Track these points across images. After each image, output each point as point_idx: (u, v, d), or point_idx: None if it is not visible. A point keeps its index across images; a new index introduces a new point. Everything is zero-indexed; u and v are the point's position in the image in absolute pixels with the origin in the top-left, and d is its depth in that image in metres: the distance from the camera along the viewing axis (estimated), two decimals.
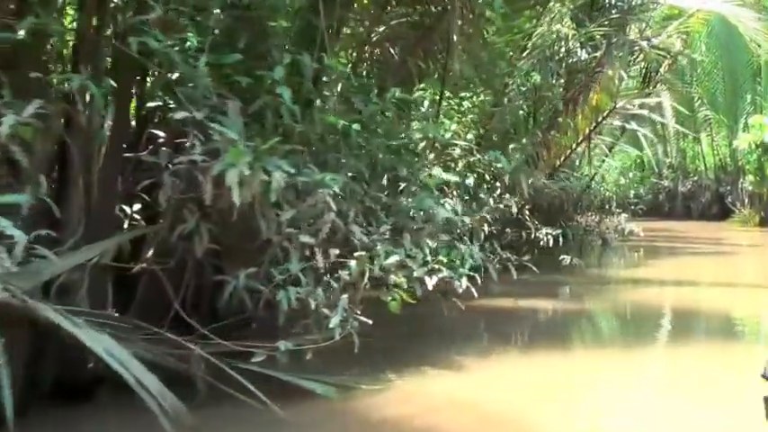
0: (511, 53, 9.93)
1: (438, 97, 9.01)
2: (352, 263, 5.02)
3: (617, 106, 12.15)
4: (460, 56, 6.78)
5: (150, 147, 5.34)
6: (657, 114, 29.88)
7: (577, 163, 16.75)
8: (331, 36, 6.01)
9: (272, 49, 4.93)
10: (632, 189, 19.08)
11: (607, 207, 17.37)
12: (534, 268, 8.29)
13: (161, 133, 5.35)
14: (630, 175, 18.32)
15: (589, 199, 17.15)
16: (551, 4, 10.02)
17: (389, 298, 5.34)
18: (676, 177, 29.19)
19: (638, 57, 16.18)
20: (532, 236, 11.70)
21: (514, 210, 10.67)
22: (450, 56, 6.51)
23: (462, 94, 9.61)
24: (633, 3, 14.68)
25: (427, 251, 5.68)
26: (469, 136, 9.70)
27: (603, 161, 16.57)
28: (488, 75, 9.03)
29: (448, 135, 9.70)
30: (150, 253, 5.18)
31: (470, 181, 9.45)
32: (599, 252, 15.74)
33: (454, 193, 9.41)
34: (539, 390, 5.39)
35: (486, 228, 10.48)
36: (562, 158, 10.37)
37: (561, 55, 13.79)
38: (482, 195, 11.02)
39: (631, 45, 13.22)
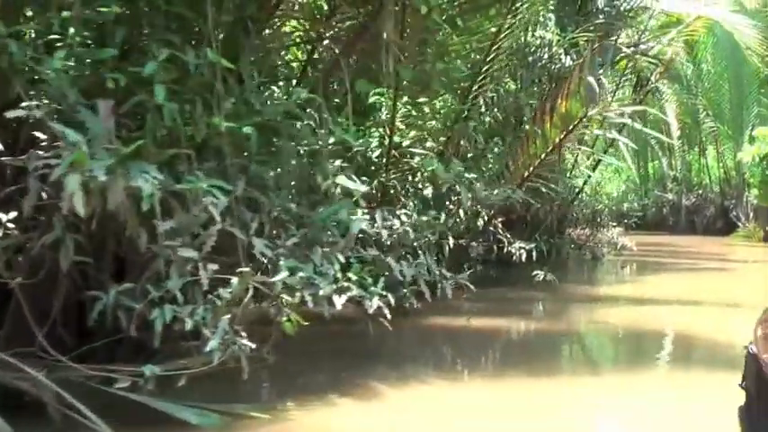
0: (476, 56, 9.41)
1: (392, 102, 8.52)
2: (234, 279, 4.52)
3: (599, 115, 11.61)
4: (396, 56, 6.25)
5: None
6: (663, 125, 29.39)
7: (568, 174, 16.25)
8: (250, 31, 5.57)
9: (152, 43, 4.46)
10: (626, 202, 18.44)
11: (599, 220, 16.83)
12: (471, 286, 7.68)
13: (42, 135, 4.90)
14: (623, 187, 17.65)
15: (579, 211, 16.66)
16: (518, 4, 9.45)
17: (284, 318, 4.84)
18: (680, 190, 28.47)
19: (628, 64, 15.71)
20: (504, 250, 11.18)
21: (480, 222, 10.15)
22: (387, 56, 5.99)
23: (421, 100, 9.11)
24: (622, 8, 14.17)
25: (337, 267, 5.17)
26: (429, 144, 9.18)
27: (591, 172, 15.97)
28: (446, 78, 8.50)
29: (406, 143, 9.24)
30: (23, 264, 4.74)
31: (429, 191, 8.94)
32: (588, 267, 15.16)
33: (411, 204, 8.92)
34: (455, 418, 4.88)
35: (450, 241, 10.04)
36: (530, 169, 9.79)
37: (544, 61, 13.33)
38: (450, 206, 10.58)
39: (615, 51, 12.67)
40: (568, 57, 13.22)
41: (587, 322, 8.94)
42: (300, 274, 5.10)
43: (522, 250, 11.04)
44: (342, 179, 5.08)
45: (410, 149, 8.99)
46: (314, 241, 5.35)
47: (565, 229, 16.62)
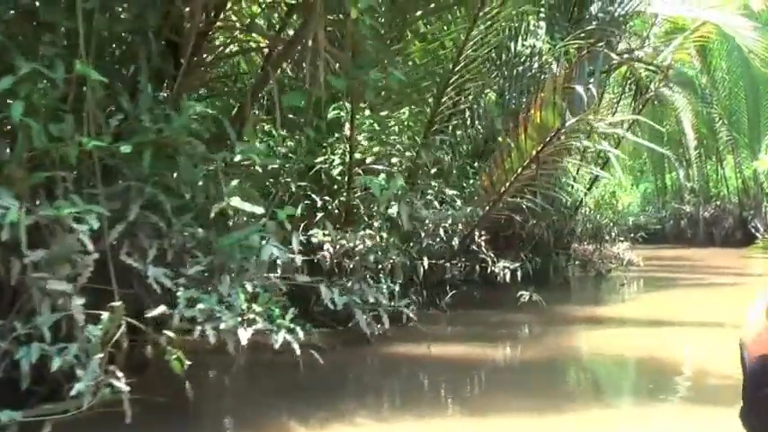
0: (441, 65, 8.91)
1: (351, 115, 8.06)
2: (104, 315, 4.06)
3: (587, 125, 11.06)
4: (328, 66, 5.78)
5: None
6: (680, 136, 28.58)
7: (569, 187, 15.64)
8: (150, 42, 5.15)
9: (16, 56, 4.05)
10: (643, 215, 17.72)
11: (603, 235, 16.16)
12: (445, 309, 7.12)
13: None
14: (627, 201, 16.94)
15: (582, 226, 16.01)
16: (487, 10, 8.92)
17: (173, 357, 4.37)
18: (698, 202, 27.59)
19: (627, 73, 15.11)
20: (488, 270, 10.60)
21: (455, 242, 9.60)
22: (313, 65, 5.52)
23: (384, 113, 8.63)
24: (616, 14, 13.60)
25: (242, 298, 4.69)
26: (395, 159, 8.68)
27: (590, 185, 15.33)
28: (409, 89, 8.04)
29: (370, 159, 8.75)
30: None
31: (394, 210, 8.42)
32: (589, 285, 14.50)
33: (376, 224, 8.42)
34: None
35: (425, 262, 9.52)
36: (507, 184, 9.24)
37: (534, 71, 12.80)
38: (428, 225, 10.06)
39: (606, 59, 12.09)
40: (559, 65, 12.68)
41: (564, 348, 8.31)
42: (200, 305, 4.65)
43: (507, 270, 10.45)
44: (236, 201, 4.60)
45: (373, 166, 8.50)
46: (221, 269, 4.88)
47: (568, 246, 16.01)
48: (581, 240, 16.26)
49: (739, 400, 2.40)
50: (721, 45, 24.68)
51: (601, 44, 11.49)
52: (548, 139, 8.86)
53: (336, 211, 8.60)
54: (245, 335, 4.66)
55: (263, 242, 4.90)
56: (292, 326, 4.72)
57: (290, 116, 8.49)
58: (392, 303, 8.12)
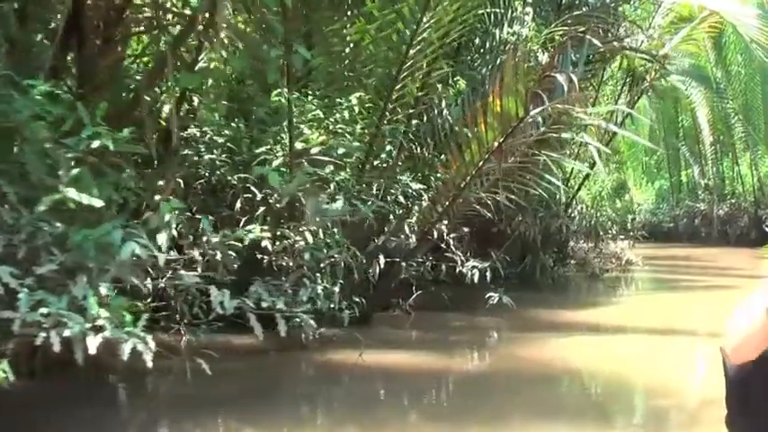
0: (393, 50, 8.23)
1: (295, 100, 7.46)
2: None
3: (570, 116, 10.36)
4: (231, 47, 5.19)
5: None
6: (696, 131, 27.58)
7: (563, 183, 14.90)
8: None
9: None
10: (631, 213, 16.91)
11: (598, 233, 15.40)
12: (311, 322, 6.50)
13: None
14: (627, 197, 16.14)
15: (579, 224, 15.28)
16: None
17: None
18: (712, 200, 26.59)
19: (623, 63, 14.34)
20: (457, 269, 9.94)
21: (412, 240, 8.95)
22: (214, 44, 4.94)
23: (331, 99, 8.02)
24: (607, 0, 12.85)
25: (92, 301, 4.11)
26: (342, 150, 8.04)
27: (583, 181, 14.58)
28: (358, 74, 7.41)
29: (316, 150, 8.12)
30: None
31: (339, 204, 7.80)
32: (578, 287, 13.76)
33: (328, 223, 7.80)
34: None
35: (382, 260, 8.89)
36: (467, 178, 8.55)
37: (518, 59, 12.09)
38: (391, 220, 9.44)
39: (592, 47, 11.34)
40: (546, 54, 11.96)
41: (518, 359, 7.60)
42: (44, 309, 4.07)
43: (476, 269, 9.78)
44: (72, 192, 4.02)
45: (318, 157, 7.89)
46: (77, 268, 4.31)
47: (563, 244, 15.27)
48: (578, 239, 15.55)
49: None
50: (737, 37, 23.67)
51: (583, 30, 10.71)
52: (510, 130, 8.16)
53: (278, 205, 8.00)
54: (93, 342, 4.08)
55: (126, 239, 4.30)
56: (142, 333, 4.12)
57: (226, 103, 7.96)
58: (332, 305, 7.56)
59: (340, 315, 7.67)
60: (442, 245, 9.96)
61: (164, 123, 7.63)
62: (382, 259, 8.83)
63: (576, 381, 7.00)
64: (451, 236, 9.99)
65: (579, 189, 14.41)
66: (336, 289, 7.57)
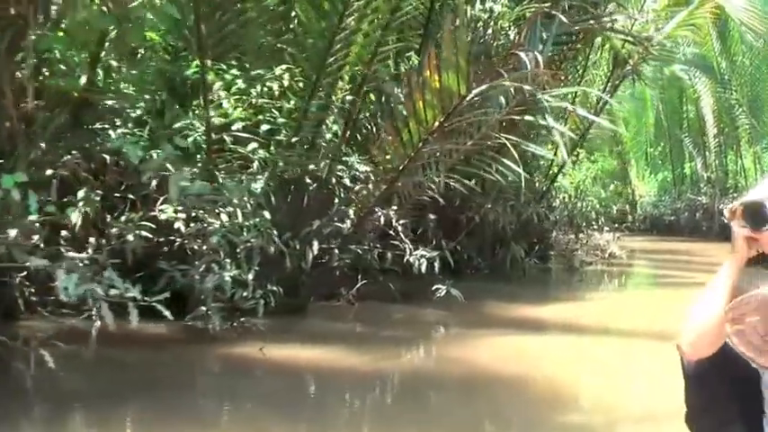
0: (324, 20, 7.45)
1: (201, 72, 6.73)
2: None
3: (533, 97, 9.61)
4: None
5: None
6: (701, 123, 26.53)
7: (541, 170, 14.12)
8: None
9: None
10: (614, 203, 16.07)
11: (578, 224, 14.59)
12: (167, 313, 5.80)
13: None
14: (612, 187, 15.28)
15: (559, 214, 14.51)
16: None
17: None
18: (714, 193, 25.58)
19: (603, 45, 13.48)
20: (405, 258, 9.20)
21: (347, 225, 8.22)
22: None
23: (257, 72, 7.28)
24: None
25: None
26: (266, 127, 7.31)
27: (560, 169, 13.76)
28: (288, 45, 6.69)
29: (238, 126, 7.40)
30: None
31: (259, 186, 7.10)
32: (550, 280, 12.95)
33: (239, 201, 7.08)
34: None
35: (315, 247, 8.18)
36: (406, 161, 7.80)
37: (488, 37, 11.34)
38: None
39: (564, 25, 10.54)
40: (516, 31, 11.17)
41: (448, 359, 6.84)
42: None
43: (424, 259, 9.03)
44: None
45: (239, 133, 7.19)
46: None
47: (543, 235, 14.48)
48: (559, 230, 14.77)
49: None
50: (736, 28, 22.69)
51: (550, 6, 9.90)
52: (451, 109, 7.40)
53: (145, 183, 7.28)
54: None
55: None
56: None
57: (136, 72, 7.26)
58: (245, 294, 6.88)
59: (256, 305, 7.01)
60: (390, 232, 9.24)
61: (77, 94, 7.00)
62: (316, 246, 8.13)
63: (505, 388, 6.21)
64: (401, 222, 9.26)
65: (556, 177, 13.58)
66: (250, 276, 6.88)
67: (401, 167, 7.77)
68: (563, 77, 11.29)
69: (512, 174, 11.58)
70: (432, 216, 11.82)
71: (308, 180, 8.33)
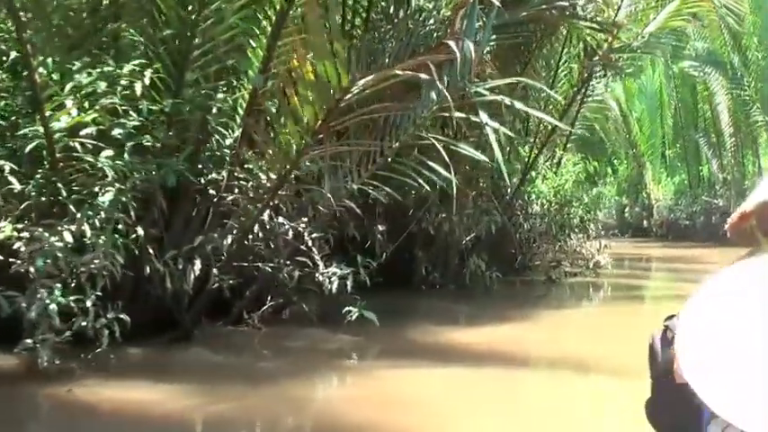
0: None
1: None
2: None
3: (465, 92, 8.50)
4: None
5: None
6: (715, 122, 24.83)
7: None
8: None
9: None
10: (599, 209, 14.66)
11: (557, 233, 13.25)
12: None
13: None
14: (594, 191, 13.87)
15: (533, 223, 13.21)
16: None
17: None
18: (730, 195, 23.86)
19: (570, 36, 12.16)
20: (317, 276, 8.03)
21: (227, 241, 7.07)
22: None
23: (108, 69, 6.20)
24: None
25: None
26: (118, 131, 6.21)
27: (527, 170, 12.46)
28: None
29: (90, 130, 6.32)
30: None
31: (107, 198, 6.03)
32: (513, 295, 11.59)
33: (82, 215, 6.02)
34: None
35: (197, 266, 7.08)
36: (287, 167, 6.64)
37: (429, 28, 10.14)
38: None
39: (515, 10, 9.31)
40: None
41: (295, 404, 5.59)
42: None
43: (335, 277, 7.86)
44: None
45: (83, 140, 6.12)
46: None
47: (519, 246, 13.18)
48: (534, 240, 13.45)
49: None
50: (754, 17, 21.08)
51: None
52: (334, 105, 6.23)
53: (43, 198, 6.28)
54: None
55: None
56: None
57: None
58: (84, 323, 5.82)
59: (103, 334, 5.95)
60: (302, 247, 8.10)
61: None
62: (198, 265, 7.04)
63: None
64: (313, 235, 8.11)
65: (522, 182, 12.27)
66: (89, 303, 5.81)
67: (283, 173, 6.62)
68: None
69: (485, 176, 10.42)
70: (380, 227, 10.72)
71: (194, 190, 7.26)
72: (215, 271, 6.89)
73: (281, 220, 8.00)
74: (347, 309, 7.69)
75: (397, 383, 6.14)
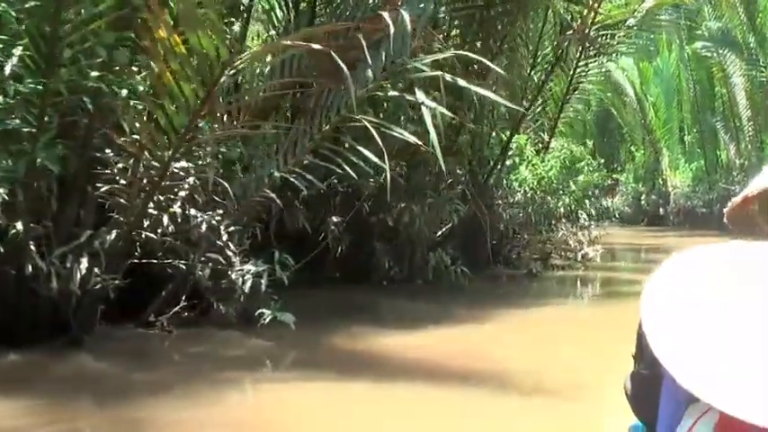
0: None
1: None
2: None
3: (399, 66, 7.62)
4: None
5: None
6: (732, 105, 23.40)
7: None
8: None
9: None
10: (588, 198, 13.55)
11: (532, 224, 12.25)
12: None
13: None
14: (580, 178, 12.76)
15: (513, 213, 12.24)
16: None
17: None
18: (748, 182, 22.39)
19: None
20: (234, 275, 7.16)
21: (111, 237, 6.23)
22: None
23: None
24: None
25: None
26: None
27: (501, 153, 11.43)
28: None
29: None
30: None
31: None
32: (487, 291, 10.59)
33: None
34: None
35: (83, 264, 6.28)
36: (170, 152, 5.78)
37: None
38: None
39: None
40: None
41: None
42: None
43: (249, 276, 7.01)
44: None
45: None
46: None
47: (501, 236, 12.22)
48: (514, 230, 12.47)
49: None
50: None
51: None
52: (214, 81, 5.35)
53: None
54: None
55: None
56: None
57: None
58: None
59: None
60: (219, 242, 7.25)
61: None
62: (85, 263, 6.24)
63: None
64: (230, 229, 7.25)
65: (495, 167, 11.26)
66: None
67: (167, 160, 5.76)
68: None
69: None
70: (335, 219, 9.84)
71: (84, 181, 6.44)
72: (96, 271, 6.05)
73: (193, 212, 7.22)
74: (259, 311, 6.84)
75: (284, 403, 5.27)
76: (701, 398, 0.73)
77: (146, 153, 5.74)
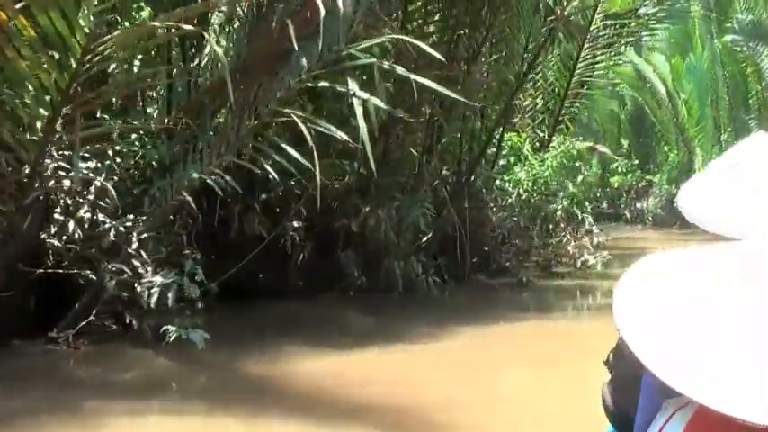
0: None
1: None
2: None
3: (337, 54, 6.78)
4: None
5: None
6: (765, 98, 21.83)
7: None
8: None
9: None
10: (589, 200, 12.42)
11: (521, 230, 11.21)
12: None
13: None
14: (580, 178, 11.63)
15: (505, 216, 11.25)
16: None
17: None
18: None
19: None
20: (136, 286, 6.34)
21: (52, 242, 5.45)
22: None
23: None
24: None
25: None
26: None
27: (481, 152, 10.42)
28: None
29: None
30: None
31: None
32: (461, 303, 9.54)
33: None
34: None
35: None
36: (36, 150, 5.00)
37: None
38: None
39: None
40: None
41: None
42: None
43: (156, 288, 6.18)
44: None
45: None
46: None
47: (491, 243, 11.21)
48: (504, 236, 11.46)
49: None
50: None
51: None
52: (75, 69, 4.55)
53: None
54: None
55: None
56: None
57: None
58: None
59: None
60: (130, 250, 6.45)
61: None
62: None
63: None
64: (141, 237, 6.45)
65: (476, 166, 10.24)
66: None
67: (32, 162, 4.98)
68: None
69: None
70: (295, 224, 8.98)
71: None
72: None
73: (101, 217, 6.45)
74: (164, 328, 6.01)
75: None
76: (684, 392, 0.71)
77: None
